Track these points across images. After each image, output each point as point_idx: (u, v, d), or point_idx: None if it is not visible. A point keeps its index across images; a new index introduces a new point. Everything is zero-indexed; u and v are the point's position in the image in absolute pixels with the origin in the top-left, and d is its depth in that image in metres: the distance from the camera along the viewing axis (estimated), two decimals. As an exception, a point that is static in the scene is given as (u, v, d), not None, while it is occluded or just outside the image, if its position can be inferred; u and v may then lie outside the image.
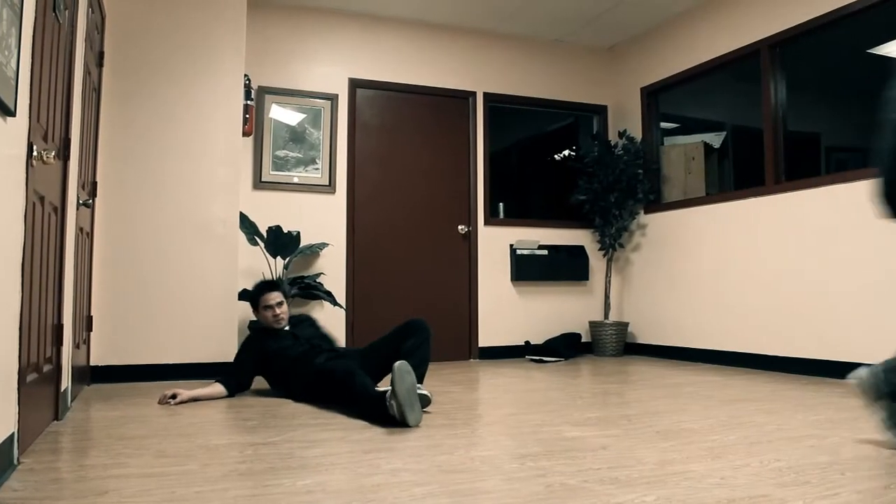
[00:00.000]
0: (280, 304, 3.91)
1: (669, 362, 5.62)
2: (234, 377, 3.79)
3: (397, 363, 2.91)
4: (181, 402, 3.49)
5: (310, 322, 4.12)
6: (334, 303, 5.25)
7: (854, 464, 2.25)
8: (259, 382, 4.00)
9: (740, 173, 6.06)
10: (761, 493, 1.92)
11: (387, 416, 2.91)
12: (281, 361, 3.77)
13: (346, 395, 3.24)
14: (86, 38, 3.64)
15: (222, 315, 4.58)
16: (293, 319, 4.04)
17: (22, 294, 2.24)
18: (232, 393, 3.74)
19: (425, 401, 3.25)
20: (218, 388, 3.68)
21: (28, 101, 2.27)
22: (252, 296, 3.98)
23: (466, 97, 6.24)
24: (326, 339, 4.01)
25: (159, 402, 3.49)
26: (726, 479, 2.06)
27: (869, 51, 5.53)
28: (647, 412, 3.27)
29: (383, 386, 3.14)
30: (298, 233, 5.21)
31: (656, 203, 6.20)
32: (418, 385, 3.26)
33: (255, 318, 4.05)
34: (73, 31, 3.17)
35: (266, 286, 3.99)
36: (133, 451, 2.47)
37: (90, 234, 4.21)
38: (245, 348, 3.90)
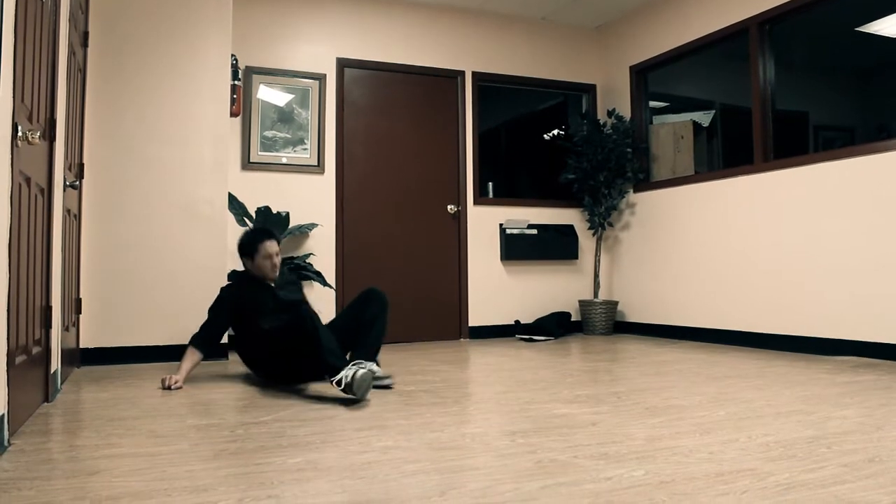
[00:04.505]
0: (278, 254, 3.74)
1: (658, 340, 5.66)
2: (205, 339, 3.64)
3: (359, 375, 2.93)
4: (181, 386, 3.48)
5: (295, 286, 3.95)
6: (324, 283, 5.25)
7: (840, 438, 2.28)
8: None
9: (729, 152, 6.08)
10: (749, 467, 1.94)
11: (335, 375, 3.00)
12: (252, 323, 3.62)
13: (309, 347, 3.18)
14: (70, 18, 3.60)
15: (212, 296, 4.55)
16: (278, 280, 3.86)
17: (9, 276, 2.23)
18: (206, 356, 3.66)
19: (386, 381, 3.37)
20: (196, 357, 3.59)
21: (11, 81, 2.25)
22: (248, 242, 3.72)
23: (455, 76, 6.21)
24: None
25: (164, 387, 3.44)
26: (714, 454, 2.09)
27: (857, 29, 5.53)
28: (636, 389, 3.30)
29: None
30: (287, 213, 5.20)
31: (645, 182, 6.20)
32: (377, 370, 3.27)
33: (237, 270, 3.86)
34: (56, 11, 3.13)
35: (265, 234, 3.74)
36: (124, 431, 2.47)
37: (78, 216, 4.18)
38: (221, 307, 3.71)
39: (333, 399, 3.09)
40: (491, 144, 6.60)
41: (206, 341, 3.65)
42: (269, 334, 3.48)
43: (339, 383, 2.97)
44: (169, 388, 3.41)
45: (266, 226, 5.05)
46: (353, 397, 2.97)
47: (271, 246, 3.71)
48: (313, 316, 3.24)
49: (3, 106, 2.14)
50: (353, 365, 3.02)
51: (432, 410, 2.82)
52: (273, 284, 3.81)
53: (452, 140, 6.19)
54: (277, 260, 3.74)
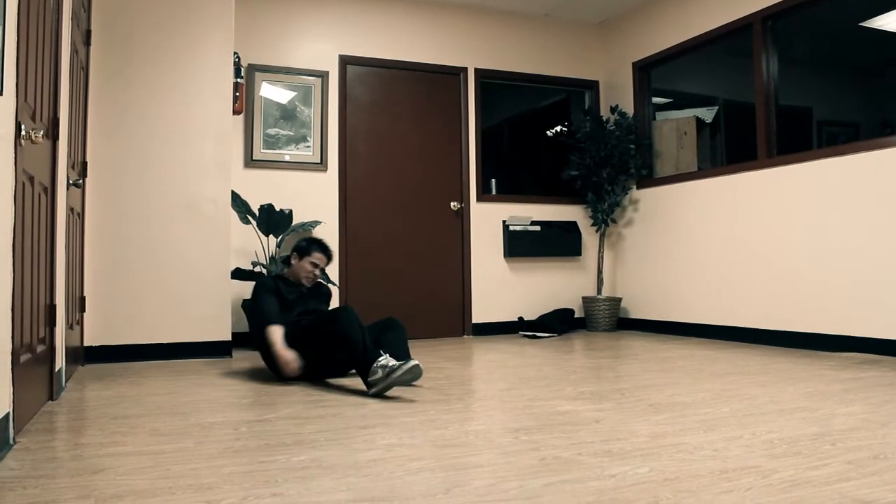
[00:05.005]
0: (322, 270, 3.94)
1: (662, 337, 5.65)
2: (274, 313, 3.67)
3: (395, 376, 3.04)
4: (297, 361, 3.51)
5: (325, 298, 4.07)
6: (327, 280, 5.24)
7: (844, 435, 2.27)
8: (254, 359, 4.00)
9: (732, 148, 6.06)
10: (753, 465, 1.94)
11: (364, 372, 3.11)
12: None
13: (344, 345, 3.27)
14: (72, 17, 3.60)
15: (215, 294, 4.57)
16: (313, 287, 4.00)
17: (14, 275, 2.23)
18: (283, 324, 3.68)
19: (417, 371, 3.31)
20: (280, 330, 3.60)
21: (14, 80, 2.25)
22: (306, 244, 3.92)
23: (458, 73, 6.21)
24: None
25: (291, 376, 3.49)
26: (719, 451, 2.08)
27: (861, 24, 5.51)
28: (639, 386, 3.30)
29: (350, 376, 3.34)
30: (291, 211, 5.20)
31: (648, 178, 6.20)
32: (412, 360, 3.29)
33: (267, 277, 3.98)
34: (59, 9, 3.13)
35: (323, 247, 3.95)
36: (128, 429, 2.48)
37: (81, 215, 4.19)
38: (265, 290, 3.77)
39: (337, 397, 3.09)
40: (494, 141, 6.60)
41: (276, 315, 3.66)
42: (305, 327, 3.56)
43: (373, 372, 3.06)
44: (295, 372, 3.47)
45: (270, 223, 5.08)
46: (374, 390, 3.07)
47: (321, 258, 3.92)
48: (357, 316, 3.37)
49: (6, 105, 2.14)
50: (390, 357, 3.12)
51: (436, 408, 2.83)
52: (304, 291, 3.93)
53: (455, 137, 6.18)
54: (318, 273, 3.93)
